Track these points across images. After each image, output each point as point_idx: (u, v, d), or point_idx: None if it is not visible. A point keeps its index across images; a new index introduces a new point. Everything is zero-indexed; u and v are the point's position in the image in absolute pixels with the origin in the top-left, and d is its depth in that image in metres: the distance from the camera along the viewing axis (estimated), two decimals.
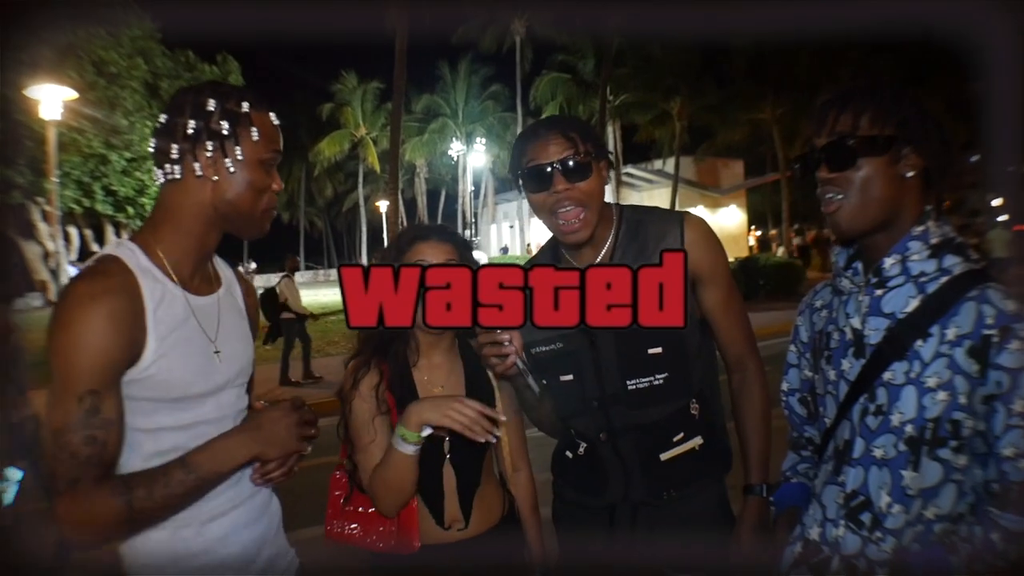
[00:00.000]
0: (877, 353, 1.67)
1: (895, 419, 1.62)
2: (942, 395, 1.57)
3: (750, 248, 41.90)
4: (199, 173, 1.71)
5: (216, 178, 1.72)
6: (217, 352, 1.81)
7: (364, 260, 63.45)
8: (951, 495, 1.61)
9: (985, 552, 1.57)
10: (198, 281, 1.83)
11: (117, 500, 1.54)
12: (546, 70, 46.58)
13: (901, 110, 1.66)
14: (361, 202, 63.49)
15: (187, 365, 1.71)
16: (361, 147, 57.37)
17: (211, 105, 1.71)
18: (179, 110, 1.72)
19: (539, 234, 46.46)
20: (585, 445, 2.22)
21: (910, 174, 1.66)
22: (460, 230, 54.77)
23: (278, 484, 1.89)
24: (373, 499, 2.11)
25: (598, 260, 2.17)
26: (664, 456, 2.13)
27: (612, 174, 2.18)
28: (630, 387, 2.11)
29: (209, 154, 1.71)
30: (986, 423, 1.57)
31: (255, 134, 1.75)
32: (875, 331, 1.69)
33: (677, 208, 37.07)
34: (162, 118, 1.74)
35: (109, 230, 28.96)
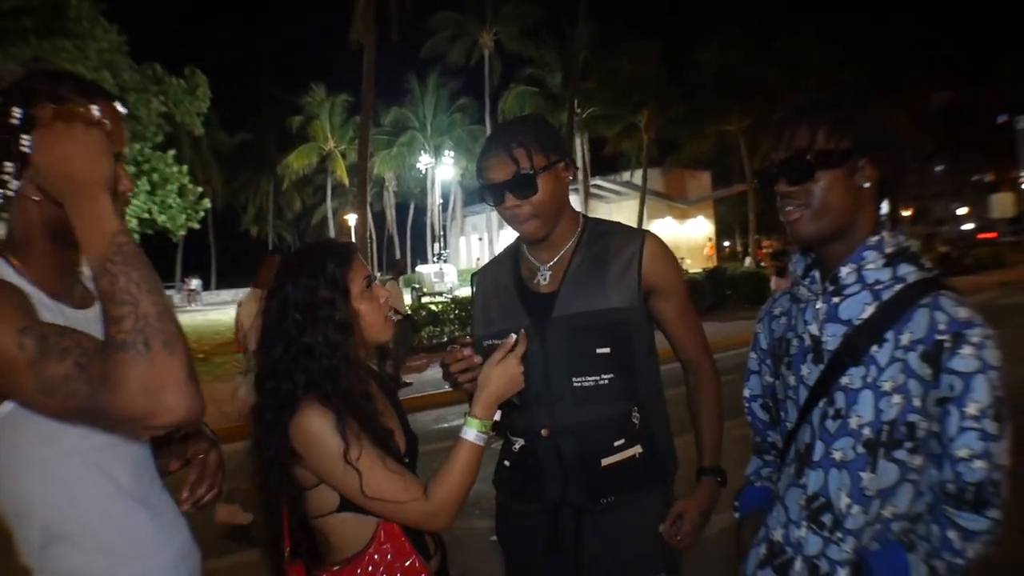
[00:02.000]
0: (835, 359, 1.72)
1: (853, 422, 1.67)
2: (897, 398, 1.62)
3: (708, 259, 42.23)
4: (9, 195, 1.49)
5: (36, 197, 1.49)
6: None
7: None
8: (908, 495, 1.66)
9: (943, 550, 1.64)
10: (72, 295, 1.64)
11: (132, 347, 1.24)
12: (514, 83, 47.01)
13: (857, 123, 1.70)
14: (330, 215, 63.26)
15: None
16: (330, 160, 57.24)
17: (16, 114, 1.43)
18: None
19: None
20: (522, 443, 2.25)
21: (866, 184, 1.70)
22: (429, 243, 54.61)
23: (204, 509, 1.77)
24: (431, 512, 1.82)
25: (555, 259, 2.27)
26: (605, 461, 2.15)
27: (580, 185, 2.23)
28: (575, 384, 2.14)
29: (9, 174, 1.46)
30: (940, 425, 1.62)
31: None
32: (832, 337, 1.74)
33: (645, 219, 37.43)
34: None
35: None
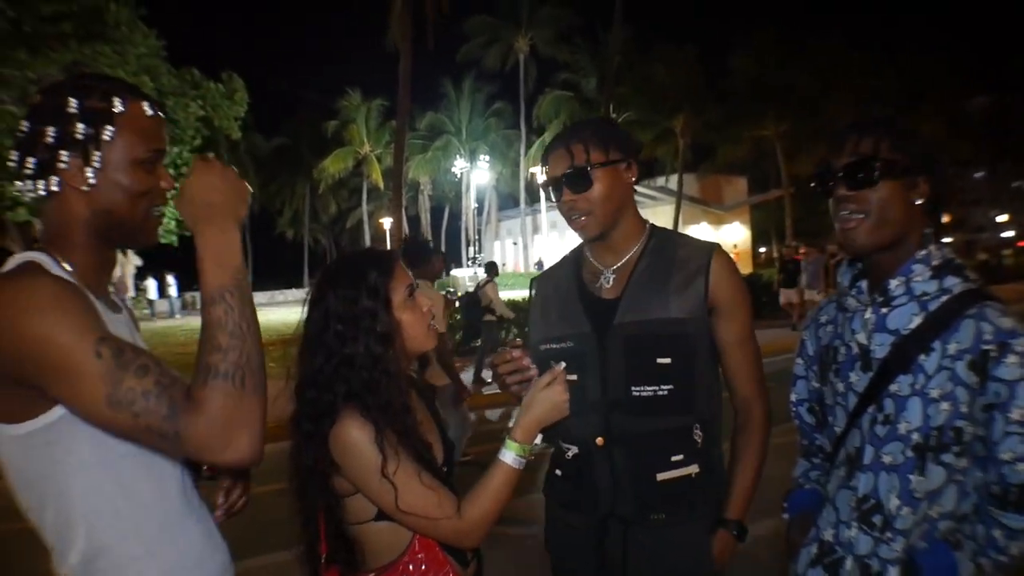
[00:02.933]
0: (883, 367, 1.79)
1: (902, 428, 1.74)
2: (945, 405, 1.69)
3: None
4: (66, 186, 1.51)
5: (86, 188, 1.51)
6: None
7: None
8: (954, 496, 1.75)
9: (988, 548, 1.75)
10: (105, 301, 1.63)
11: (223, 379, 1.32)
12: (549, 88, 46.99)
13: (916, 142, 1.79)
14: (365, 219, 63.61)
15: None
16: (365, 164, 57.54)
17: (72, 106, 1.50)
18: (40, 116, 1.51)
19: (542, 251, 46.54)
20: (575, 450, 2.20)
21: (919, 201, 1.79)
22: (464, 247, 54.65)
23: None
24: (463, 531, 1.82)
25: (620, 263, 2.24)
26: (661, 476, 2.10)
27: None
28: (634, 393, 2.09)
29: (66, 165, 1.50)
30: (985, 429, 1.70)
31: (126, 134, 1.53)
32: (881, 346, 1.81)
33: (681, 224, 37.23)
34: (23, 126, 1.52)
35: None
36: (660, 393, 2.08)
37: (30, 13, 15.60)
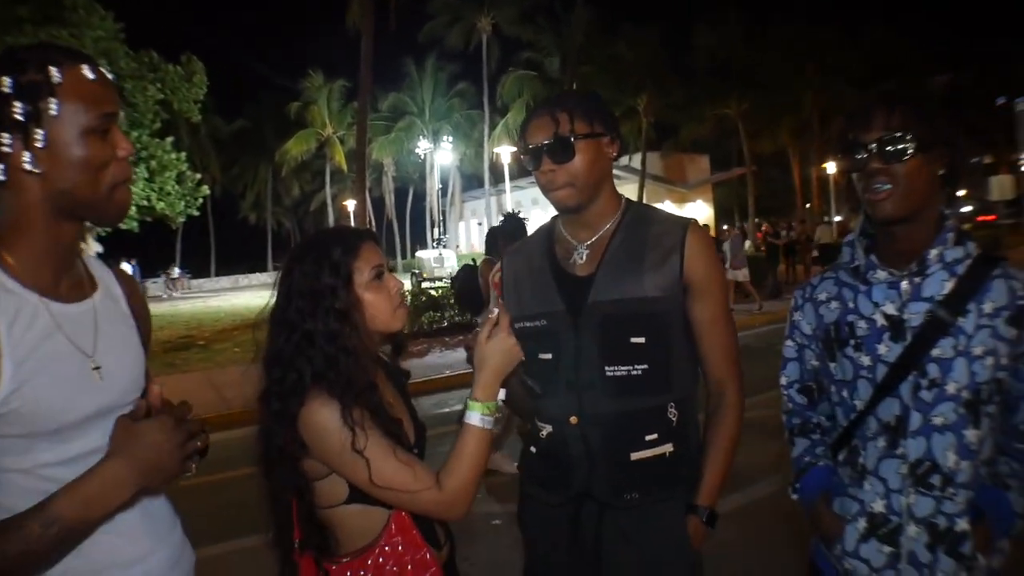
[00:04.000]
0: (922, 333, 1.88)
1: (951, 388, 1.84)
2: (989, 361, 1.83)
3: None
4: (15, 171, 1.41)
5: (38, 171, 1.40)
6: (97, 368, 1.51)
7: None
8: (990, 441, 1.89)
9: None
10: (66, 287, 1.53)
11: None
12: (512, 68, 46.76)
13: (937, 115, 1.89)
14: (329, 201, 63.11)
15: (58, 389, 1.41)
16: (328, 146, 57.06)
17: (6, 86, 1.37)
18: None
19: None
20: (550, 429, 2.17)
21: (941, 172, 1.89)
22: (428, 228, 54.27)
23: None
24: (445, 502, 1.79)
25: (594, 239, 2.19)
26: (635, 455, 2.08)
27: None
28: (608, 373, 2.06)
29: (9, 149, 1.39)
30: (1014, 376, 1.88)
31: (71, 104, 1.41)
32: (916, 315, 1.89)
33: (644, 202, 37.18)
34: None
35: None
36: (634, 373, 2.06)
37: None
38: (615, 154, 2.18)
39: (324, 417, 1.74)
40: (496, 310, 1.91)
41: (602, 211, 2.19)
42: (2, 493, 1.38)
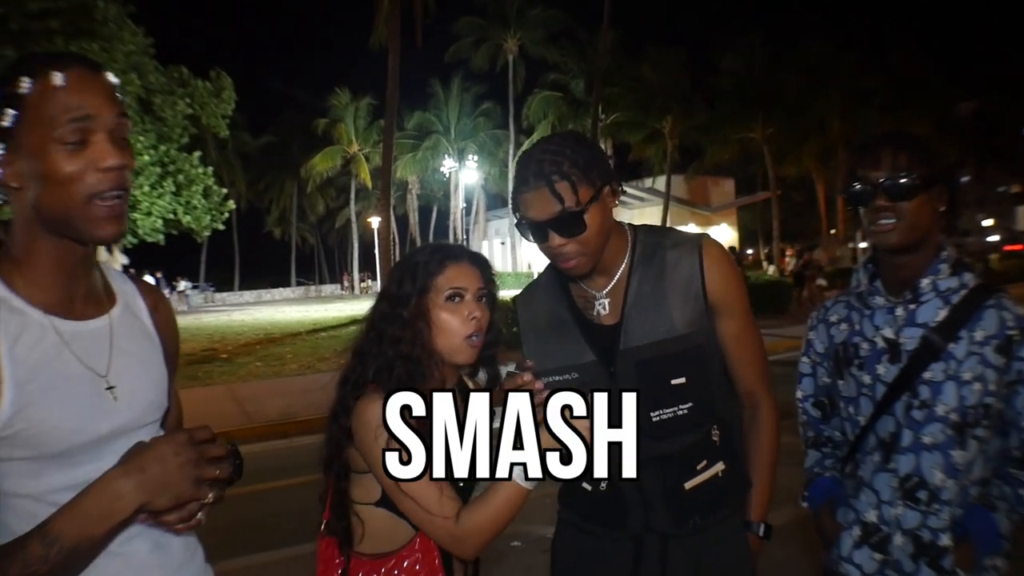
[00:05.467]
0: (915, 357, 1.99)
1: (940, 410, 1.95)
2: (977, 386, 1.93)
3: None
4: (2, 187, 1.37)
5: (15, 185, 1.35)
6: (111, 388, 1.44)
7: (356, 276, 63.38)
8: (980, 463, 1.99)
9: (1018, 505, 2.00)
10: (79, 303, 1.46)
11: None
12: (538, 88, 47.00)
13: (939, 157, 2.02)
14: (353, 218, 63.52)
15: (66, 410, 1.35)
16: (353, 163, 57.43)
17: None
18: None
19: (531, 252, 46.52)
20: (606, 481, 2.08)
21: (942, 208, 2.02)
22: None
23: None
24: (456, 536, 1.76)
25: (611, 285, 2.10)
26: (688, 484, 2.05)
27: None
28: (654, 419, 2.01)
29: None
30: (1007, 403, 1.97)
31: (36, 114, 1.32)
32: (911, 339, 2.01)
33: (668, 225, 37.12)
34: None
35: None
36: (680, 413, 2.02)
37: (18, 9, 15.50)
38: (617, 200, 2.05)
39: (369, 413, 1.80)
40: (527, 373, 1.83)
41: (614, 256, 2.09)
42: (13, 520, 1.33)
